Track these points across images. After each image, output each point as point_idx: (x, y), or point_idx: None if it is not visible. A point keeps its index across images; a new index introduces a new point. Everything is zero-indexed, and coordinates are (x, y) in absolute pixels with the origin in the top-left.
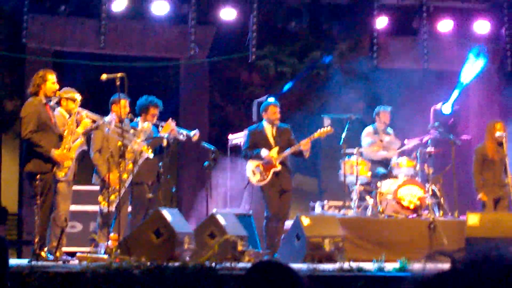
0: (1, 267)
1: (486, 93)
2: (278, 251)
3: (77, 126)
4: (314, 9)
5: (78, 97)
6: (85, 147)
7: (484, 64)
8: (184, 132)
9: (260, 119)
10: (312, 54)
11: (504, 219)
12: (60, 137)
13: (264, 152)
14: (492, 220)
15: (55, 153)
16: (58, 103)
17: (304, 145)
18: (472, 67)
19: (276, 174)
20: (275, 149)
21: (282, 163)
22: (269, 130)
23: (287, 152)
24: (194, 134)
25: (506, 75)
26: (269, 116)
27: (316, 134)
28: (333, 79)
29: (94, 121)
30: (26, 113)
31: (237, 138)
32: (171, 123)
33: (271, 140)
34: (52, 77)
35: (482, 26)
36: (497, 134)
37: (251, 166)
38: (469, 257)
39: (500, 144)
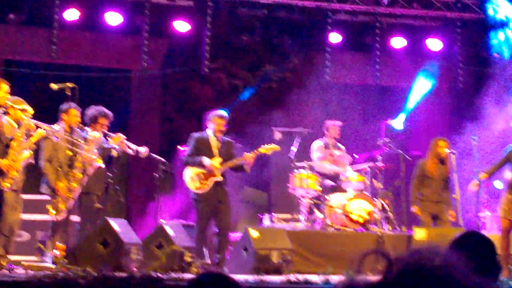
0: None
1: (437, 109)
2: (226, 263)
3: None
4: (268, 23)
5: (28, 107)
6: (31, 161)
7: (434, 82)
8: (134, 147)
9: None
10: (265, 67)
11: (449, 233)
12: (7, 146)
13: (206, 160)
14: (438, 234)
15: (1, 162)
16: (6, 113)
17: (249, 159)
18: (423, 85)
19: (216, 184)
20: (218, 160)
21: (222, 174)
22: (213, 140)
23: (230, 163)
24: (145, 151)
25: (457, 92)
26: (215, 127)
27: (261, 150)
28: (285, 93)
29: (44, 131)
30: None
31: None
32: (120, 136)
33: (215, 150)
34: (5, 87)
35: (434, 44)
36: (439, 151)
37: (190, 172)
38: (403, 266)
39: (442, 161)
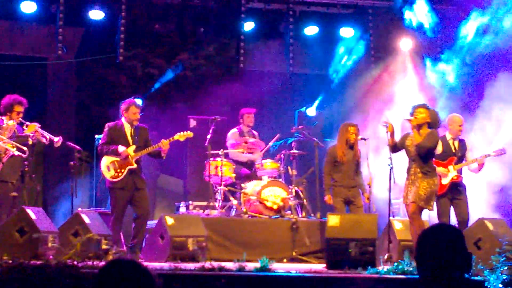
0: None
1: (352, 97)
2: (142, 250)
3: None
4: (182, 12)
5: None
6: None
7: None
8: (48, 136)
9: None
10: (180, 55)
11: (362, 220)
12: None
13: (121, 148)
14: (351, 221)
15: None
16: None
17: (164, 145)
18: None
19: (130, 172)
20: (132, 147)
21: (136, 162)
22: (127, 129)
23: (145, 151)
24: (58, 140)
25: (370, 78)
26: (130, 115)
27: (176, 137)
28: (200, 81)
29: None
30: None
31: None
32: (35, 124)
33: (129, 138)
34: None
35: (347, 32)
36: (349, 137)
37: (105, 161)
38: None
39: (351, 146)
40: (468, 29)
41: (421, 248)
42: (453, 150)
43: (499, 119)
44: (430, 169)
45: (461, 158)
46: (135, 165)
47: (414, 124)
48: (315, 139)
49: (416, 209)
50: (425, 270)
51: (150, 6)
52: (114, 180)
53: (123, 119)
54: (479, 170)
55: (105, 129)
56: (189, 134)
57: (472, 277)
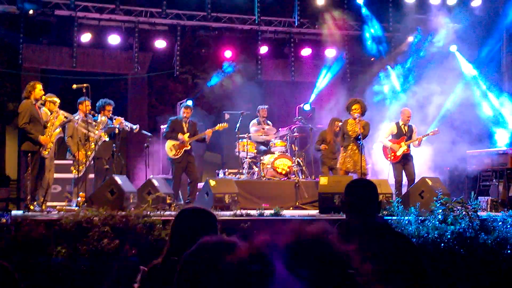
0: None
1: (334, 97)
2: (194, 203)
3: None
4: (218, 40)
5: (57, 100)
6: (61, 135)
7: (331, 77)
8: (129, 125)
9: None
10: (217, 70)
11: (343, 180)
12: (44, 127)
13: (180, 135)
14: (335, 180)
15: (41, 138)
16: (43, 104)
17: (208, 133)
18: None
19: (186, 151)
20: (187, 135)
21: (190, 144)
22: (183, 122)
23: (195, 137)
24: (136, 127)
25: (347, 84)
26: (184, 113)
27: (216, 128)
28: (231, 87)
29: (66, 117)
30: (21, 109)
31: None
32: (120, 118)
33: (185, 129)
34: (39, 86)
35: (330, 52)
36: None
37: (168, 144)
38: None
39: (336, 134)
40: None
41: (347, 196)
42: (404, 132)
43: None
44: (361, 147)
45: (409, 137)
46: (189, 147)
47: (353, 115)
48: (309, 125)
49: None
50: (350, 211)
51: (196, 37)
52: (175, 157)
53: (180, 115)
54: (419, 145)
55: (169, 122)
56: (226, 125)
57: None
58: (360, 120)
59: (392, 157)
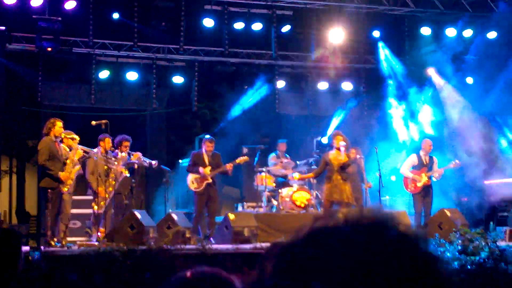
0: (14, 253)
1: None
2: (213, 237)
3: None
4: (234, 76)
5: (77, 137)
6: (81, 172)
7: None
8: (148, 160)
9: (199, 148)
10: (234, 105)
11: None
12: (64, 164)
13: (201, 169)
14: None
15: (61, 174)
16: (61, 141)
17: (229, 167)
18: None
19: (208, 185)
20: (208, 168)
21: (211, 178)
22: (205, 155)
23: (217, 170)
24: (155, 163)
25: (364, 116)
26: (206, 147)
27: (237, 161)
28: (249, 121)
29: (87, 152)
30: (41, 147)
31: (185, 163)
32: (139, 154)
33: (206, 162)
34: (59, 123)
35: (347, 86)
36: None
37: (190, 177)
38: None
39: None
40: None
41: None
42: (425, 163)
43: None
44: (345, 177)
45: (430, 168)
46: (210, 180)
47: (337, 147)
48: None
49: (347, 203)
50: None
51: (214, 72)
52: (197, 190)
53: (203, 149)
54: (439, 177)
55: (191, 156)
56: (247, 158)
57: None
58: (345, 150)
59: (413, 188)
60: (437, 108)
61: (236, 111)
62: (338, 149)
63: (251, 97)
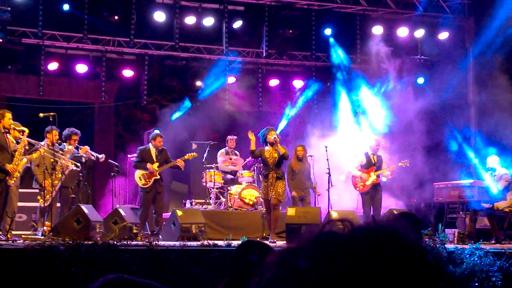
0: None
1: (299, 126)
2: (161, 233)
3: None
4: (185, 70)
5: (26, 130)
6: (28, 165)
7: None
8: (95, 154)
9: (147, 143)
10: (183, 100)
11: (310, 211)
12: (12, 156)
13: (149, 165)
14: (302, 212)
15: (8, 167)
16: (8, 132)
17: (180, 162)
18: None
19: (155, 181)
20: (156, 164)
21: (159, 174)
22: (153, 151)
23: (166, 166)
24: (102, 156)
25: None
26: (156, 143)
27: (186, 156)
28: (197, 116)
29: (33, 145)
30: None
31: (133, 157)
32: (86, 147)
33: (154, 158)
34: (9, 115)
35: (297, 83)
36: (298, 154)
37: (138, 173)
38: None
39: (300, 159)
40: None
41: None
42: (373, 162)
43: None
44: (281, 174)
45: (378, 167)
46: (158, 176)
47: (270, 141)
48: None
49: (278, 202)
50: None
51: (163, 67)
52: (144, 186)
53: (150, 145)
54: (391, 175)
55: (138, 152)
56: (195, 154)
57: None
58: (278, 145)
59: (362, 187)
60: (387, 105)
61: (185, 106)
62: (272, 144)
63: (201, 92)
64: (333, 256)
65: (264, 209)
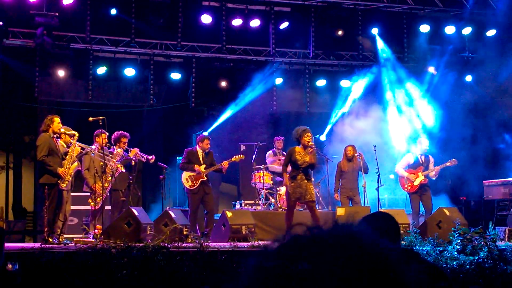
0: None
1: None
2: (211, 234)
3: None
4: (233, 72)
5: (76, 133)
6: (79, 168)
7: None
8: (145, 156)
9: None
10: (232, 101)
11: (360, 211)
12: (62, 159)
13: (196, 167)
14: (352, 211)
15: (60, 170)
16: (59, 137)
17: (225, 165)
18: (338, 110)
19: (202, 182)
20: (203, 166)
21: (206, 175)
22: (200, 153)
23: (211, 168)
24: (152, 158)
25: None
26: (203, 145)
27: (233, 159)
28: (246, 118)
29: (83, 149)
30: (40, 142)
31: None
32: (136, 150)
33: (201, 160)
34: (57, 119)
35: (345, 83)
36: (348, 154)
37: (185, 175)
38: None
39: (350, 159)
40: None
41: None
42: (420, 162)
43: None
44: (310, 176)
45: (426, 167)
46: (205, 178)
47: (310, 145)
48: (325, 156)
49: (314, 203)
50: None
51: (210, 69)
52: (191, 188)
53: (197, 147)
54: (436, 175)
55: (185, 153)
56: (242, 157)
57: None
58: (313, 149)
59: (409, 188)
60: (435, 103)
61: (233, 107)
62: (305, 147)
63: (248, 94)
64: (292, 258)
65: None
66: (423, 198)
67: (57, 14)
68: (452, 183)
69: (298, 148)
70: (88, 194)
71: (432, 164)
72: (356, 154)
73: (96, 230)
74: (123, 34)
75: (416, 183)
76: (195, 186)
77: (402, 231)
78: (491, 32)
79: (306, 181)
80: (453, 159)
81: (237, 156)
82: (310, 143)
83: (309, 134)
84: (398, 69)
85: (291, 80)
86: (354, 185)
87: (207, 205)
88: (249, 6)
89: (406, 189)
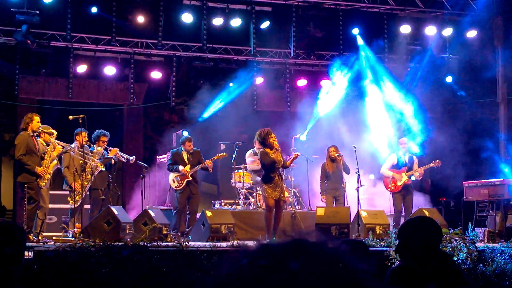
0: (20, 249)
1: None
2: (190, 234)
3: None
4: (214, 71)
5: (54, 132)
6: (59, 166)
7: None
8: (125, 156)
9: (177, 145)
10: (213, 101)
11: (340, 211)
12: (41, 158)
13: (180, 167)
14: (332, 211)
15: (38, 169)
16: (38, 135)
17: (209, 163)
18: (318, 110)
19: (188, 182)
20: (188, 166)
21: (192, 175)
22: (185, 154)
23: (196, 168)
24: (133, 158)
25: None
26: (186, 147)
27: (215, 157)
28: (227, 118)
29: (63, 147)
30: (18, 141)
31: (162, 158)
32: (116, 149)
33: (186, 161)
34: (37, 118)
35: (325, 83)
36: (331, 155)
37: (171, 176)
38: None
39: (333, 160)
40: None
41: (406, 232)
42: (404, 162)
43: None
44: (282, 176)
45: (410, 168)
46: (190, 178)
47: (277, 146)
48: (306, 156)
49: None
50: (408, 249)
51: (191, 68)
52: (177, 188)
53: (181, 148)
54: (420, 176)
55: (170, 155)
56: (225, 154)
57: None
58: (279, 150)
59: (393, 187)
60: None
61: (213, 107)
62: (272, 148)
63: (229, 93)
64: (241, 270)
65: (293, 210)
66: (406, 199)
67: (37, 12)
68: (432, 184)
69: (268, 150)
70: (68, 192)
71: (416, 165)
72: (336, 155)
73: (75, 229)
74: (103, 32)
75: (400, 183)
76: (181, 186)
77: (381, 232)
78: (471, 33)
79: (280, 180)
80: (437, 160)
81: (219, 154)
82: (275, 143)
83: (273, 135)
84: (378, 69)
85: (272, 80)
86: (339, 185)
87: (191, 205)
88: (230, 5)
89: (389, 189)
